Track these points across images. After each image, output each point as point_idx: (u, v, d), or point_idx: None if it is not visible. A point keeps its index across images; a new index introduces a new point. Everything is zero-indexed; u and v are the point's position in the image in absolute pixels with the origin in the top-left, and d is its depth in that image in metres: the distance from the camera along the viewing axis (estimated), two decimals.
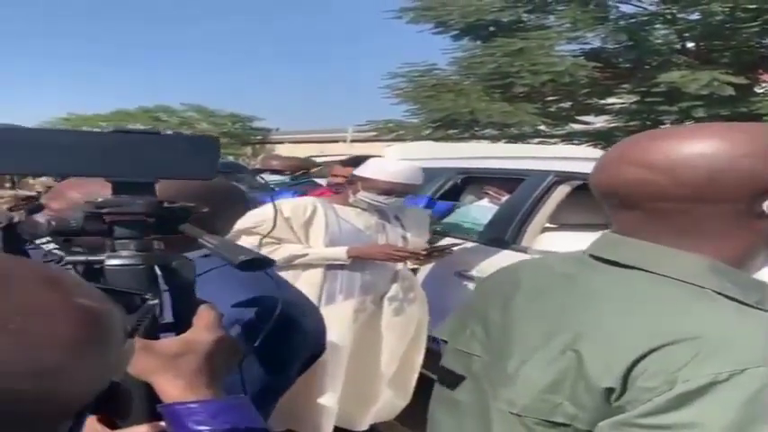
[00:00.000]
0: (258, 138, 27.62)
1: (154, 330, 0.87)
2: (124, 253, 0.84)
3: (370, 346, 3.48)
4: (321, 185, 4.81)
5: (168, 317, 0.94)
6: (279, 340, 1.23)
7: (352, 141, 17.42)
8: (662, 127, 10.97)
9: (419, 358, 3.61)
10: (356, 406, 3.49)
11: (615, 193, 1.00)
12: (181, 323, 0.90)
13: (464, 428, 1.10)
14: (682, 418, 0.81)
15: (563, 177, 3.91)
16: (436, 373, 1.23)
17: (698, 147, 0.92)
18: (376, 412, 3.59)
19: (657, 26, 11.75)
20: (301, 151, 13.91)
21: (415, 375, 3.62)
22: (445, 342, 1.24)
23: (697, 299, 0.92)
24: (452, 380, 1.16)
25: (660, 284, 0.94)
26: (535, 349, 0.98)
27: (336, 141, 19.08)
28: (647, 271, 0.96)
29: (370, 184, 3.39)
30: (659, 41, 11.74)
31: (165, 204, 0.87)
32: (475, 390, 1.10)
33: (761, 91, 11.23)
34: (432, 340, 3.60)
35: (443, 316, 3.97)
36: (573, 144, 11.48)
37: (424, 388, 3.56)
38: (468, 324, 1.18)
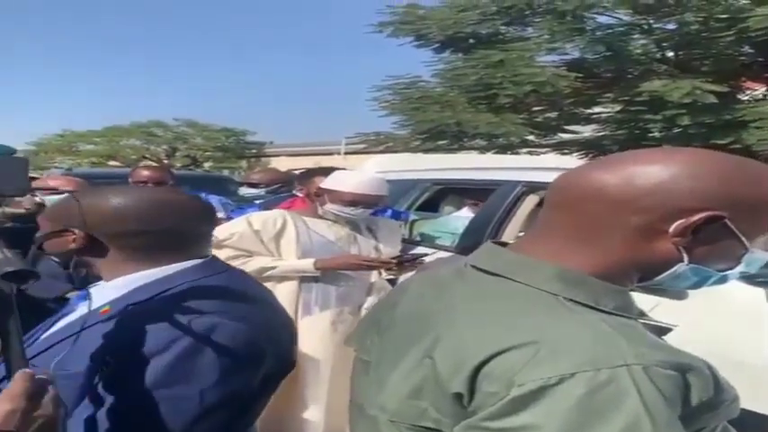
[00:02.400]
0: (253, 151, 27.75)
1: None
2: None
3: (351, 356, 3.53)
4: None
5: None
6: (220, 351, 1.26)
7: (346, 154, 17.53)
8: (649, 135, 11.20)
9: None
10: (344, 416, 3.44)
11: (563, 189, 1.04)
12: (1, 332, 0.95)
13: None
14: (519, 421, 0.84)
15: (531, 187, 4.02)
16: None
17: (658, 162, 0.97)
18: None
19: (635, 36, 11.92)
20: (296, 164, 14.02)
21: None
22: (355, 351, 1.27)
23: (542, 305, 0.95)
24: (359, 386, 1.19)
25: (514, 292, 0.98)
26: (402, 355, 1.02)
27: (331, 154, 19.14)
28: (508, 279, 1.01)
29: (335, 196, 3.41)
30: (638, 51, 11.90)
31: None
32: (366, 396, 1.13)
33: (745, 98, 11.40)
34: None
35: None
36: (563, 153, 11.63)
37: None
38: (368, 332, 1.21)
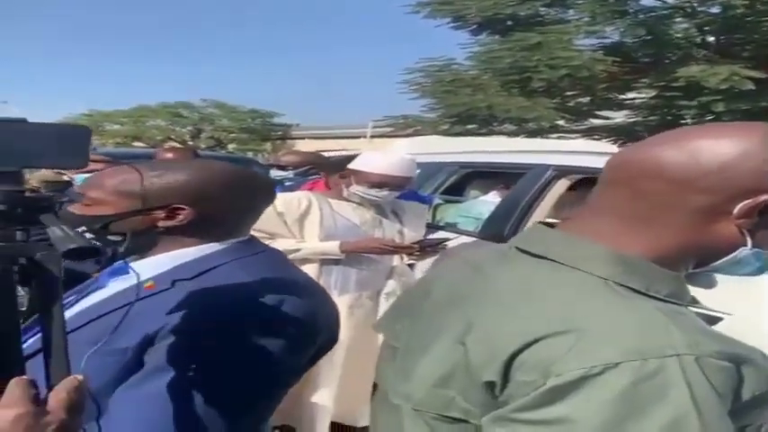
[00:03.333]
0: (278, 133, 27.70)
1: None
2: None
3: (366, 341, 3.41)
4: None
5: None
6: (285, 335, 1.25)
7: (372, 137, 17.44)
8: (681, 122, 10.93)
9: None
10: (355, 401, 3.39)
11: (621, 166, 0.97)
12: (45, 316, 0.87)
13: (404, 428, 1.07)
14: (555, 413, 0.79)
15: (562, 171, 3.88)
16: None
17: (725, 137, 0.91)
18: None
19: (677, 20, 11.61)
20: (321, 147, 13.96)
21: None
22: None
23: (588, 290, 0.89)
24: (383, 373, 1.14)
25: (559, 275, 0.92)
26: (432, 342, 0.97)
27: (357, 137, 19.09)
28: (554, 261, 0.94)
29: (362, 178, 3.33)
30: (679, 35, 11.58)
31: (28, 194, 0.86)
32: (392, 383, 1.07)
33: None
34: None
35: None
36: (594, 139, 11.36)
37: None
38: (398, 318, 1.16)
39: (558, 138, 11.54)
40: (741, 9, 10.20)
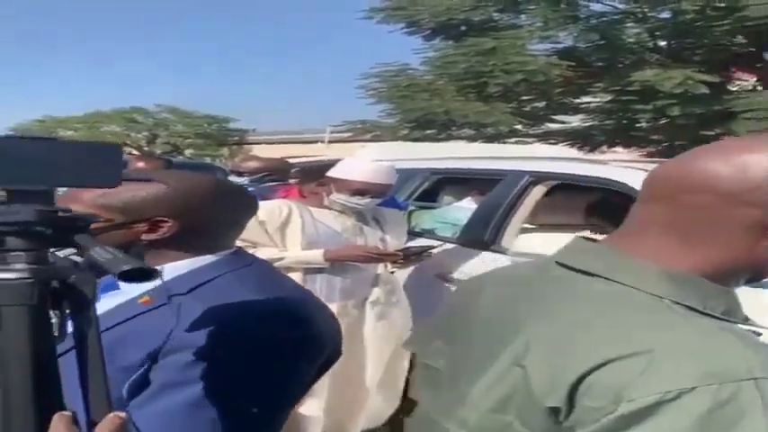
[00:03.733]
0: (235, 139, 27.54)
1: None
2: (17, 266, 0.78)
3: (355, 351, 3.39)
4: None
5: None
6: (293, 347, 1.23)
7: (330, 142, 17.41)
8: (637, 126, 11.12)
9: (405, 362, 3.55)
10: (345, 413, 3.41)
11: (665, 182, 0.94)
12: (80, 342, 0.83)
13: None
14: None
15: (538, 178, 3.89)
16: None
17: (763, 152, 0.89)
18: (366, 418, 3.51)
19: (629, 24, 11.83)
20: (279, 152, 13.90)
21: (403, 380, 3.56)
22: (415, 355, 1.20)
23: (647, 309, 0.86)
24: (423, 393, 1.12)
25: (614, 294, 0.89)
26: (486, 366, 0.93)
27: (315, 142, 19.07)
28: (605, 278, 0.91)
29: (342, 185, 3.31)
30: (631, 40, 11.80)
31: (60, 213, 0.81)
32: (440, 407, 1.04)
33: (734, 89, 11.34)
34: None
35: (425, 320, 3.86)
36: (550, 143, 11.50)
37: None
38: (434, 336, 1.13)
39: (517, 142, 11.65)
40: (691, 14, 10.42)
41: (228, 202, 1.38)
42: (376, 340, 3.45)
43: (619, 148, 12.30)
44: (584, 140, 11.63)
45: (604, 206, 4.15)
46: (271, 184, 4.79)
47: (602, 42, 11.56)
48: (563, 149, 7.78)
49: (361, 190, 3.30)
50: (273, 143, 23.06)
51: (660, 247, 0.91)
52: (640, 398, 0.75)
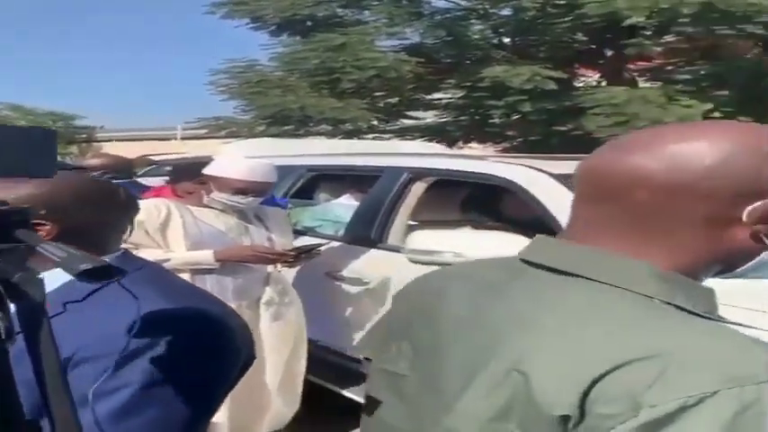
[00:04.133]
0: (83, 136, 26.23)
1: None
2: None
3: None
4: (146, 186, 4.48)
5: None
6: (208, 358, 1.18)
7: (183, 139, 16.94)
8: (490, 122, 11.48)
9: (302, 363, 3.53)
10: (249, 417, 3.35)
11: (598, 179, 0.90)
12: (32, 351, 0.78)
13: None
14: None
15: (417, 174, 3.91)
16: (366, 388, 1.12)
17: (701, 139, 0.86)
18: (268, 421, 3.48)
19: (473, 21, 12.17)
20: (130, 149, 13.43)
21: (301, 380, 3.54)
22: (368, 360, 1.12)
23: (648, 310, 0.83)
24: (382, 400, 1.04)
25: (604, 294, 0.85)
26: (475, 372, 0.87)
27: (168, 139, 18.57)
28: (587, 278, 0.87)
29: (223, 184, 3.25)
30: (476, 37, 12.11)
31: None
32: (410, 416, 0.98)
33: (580, 85, 11.93)
34: (311, 344, 3.59)
35: (316, 319, 3.79)
36: (407, 139, 11.69)
37: (309, 393, 3.58)
38: (392, 340, 1.05)
39: (374, 138, 11.74)
40: (532, 12, 10.83)
41: (105, 203, 1.33)
42: (273, 341, 3.39)
43: (474, 144, 12.70)
44: (441, 136, 11.87)
45: (480, 201, 4.30)
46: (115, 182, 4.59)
47: (449, 39, 11.81)
48: (436, 146, 7.84)
49: (243, 189, 3.24)
50: (124, 140, 22.22)
51: (626, 246, 0.87)
52: (662, 404, 0.71)
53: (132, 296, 1.11)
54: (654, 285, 0.84)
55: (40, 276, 0.76)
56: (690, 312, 0.83)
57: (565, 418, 0.76)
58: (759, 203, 0.83)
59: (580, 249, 0.90)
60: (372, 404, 1.06)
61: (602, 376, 0.74)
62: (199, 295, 1.36)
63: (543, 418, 0.77)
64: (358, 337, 3.72)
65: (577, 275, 0.87)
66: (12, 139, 0.76)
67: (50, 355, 0.78)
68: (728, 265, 0.90)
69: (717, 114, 9.11)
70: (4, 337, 0.76)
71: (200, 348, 1.16)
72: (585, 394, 0.75)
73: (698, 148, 0.84)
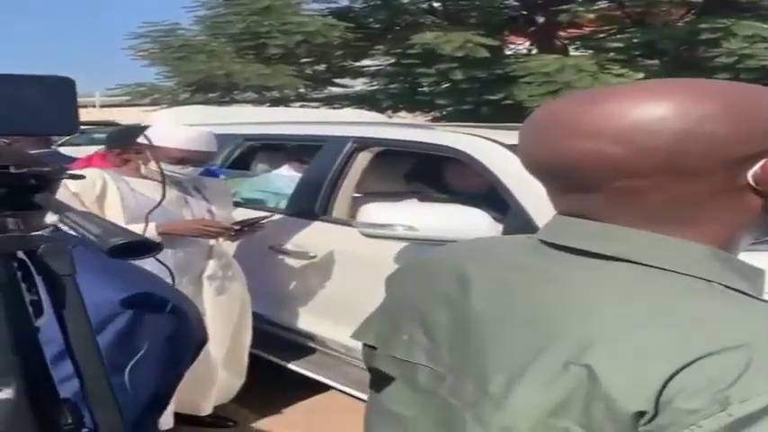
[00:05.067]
0: None
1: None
2: None
3: None
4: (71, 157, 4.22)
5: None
6: (173, 336, 1.17)
7: (102, 107, 16.33)
8: (419, 90, 11.31)
9: (247, 336, 3.52)
10: (196, 391, 3.26)
11: (564, 173, 0.81)
12: (62, 325, 0.73)
13: None
14: None
15: (362, 144, 3.81)
16: (370, 377, 1.02)
17: (657, 107, 0.76)
18: (216, 394, 3.46)
19: None
20: None
21: (246, 354, 3.53)
22: (371, 347, 1.01)
23: (712, 296, 0.77)
24: (390, 390, 0.96)
25: (661, 280, 0.78)
26: (525, 364, 0.79)
27: (85, 106, 17.88)
28: (634, 263, 0.79)
29: (161, 153, 3.11)
30: (406, 1, 11.85)
31: (12, 170, 0.65)
32: (427, 406, 0.90)
33: (510, 53, 11.91)
34: (256, 318, 3.55)
35: (260, 293, 3.73)
36: (335, 108, 11.50)
37: (255, 366, 3.58)
38: (401, 327, 0.97)
39: (301, 107, 11.52)
40: None
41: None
42: (218, 314, 3.31)
43: (403, 113, 12.57)
44: (371, 104, 11.69)
45: (424, 172, 4.22)
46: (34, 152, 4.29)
47: (379, 2, 11.62)
48: (376, 115, 7.66)
49: (181, 158, 3.12)
50: None
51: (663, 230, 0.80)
52: (753, 397, 0.66)
53: None
54: (710, 267, 0.78)
55: (66, 246, 0.71)
56: (750, 297, 0.77)
57: (639, 414, 0.70)
58: (758, 166, 0.77)
59: (623, 231, 0.81)
60: (378, 388, 0.99)
61: (679, 370, 0.69)
62: (140, 275, 1.32)
63: (614, 414, 0.70)
64: (303, 310, 3.66)
65: (622, 260, 0.80)
66: (22, 90, 0.66)
67: (83, 329, 0.72)
68: (757, 233, 0.84)
69: None
70: (32, 313, 0.72)
71: (155, 334, 1.13)
72: (662, 389, 0.69)
73: (655, 119, 0.76)
